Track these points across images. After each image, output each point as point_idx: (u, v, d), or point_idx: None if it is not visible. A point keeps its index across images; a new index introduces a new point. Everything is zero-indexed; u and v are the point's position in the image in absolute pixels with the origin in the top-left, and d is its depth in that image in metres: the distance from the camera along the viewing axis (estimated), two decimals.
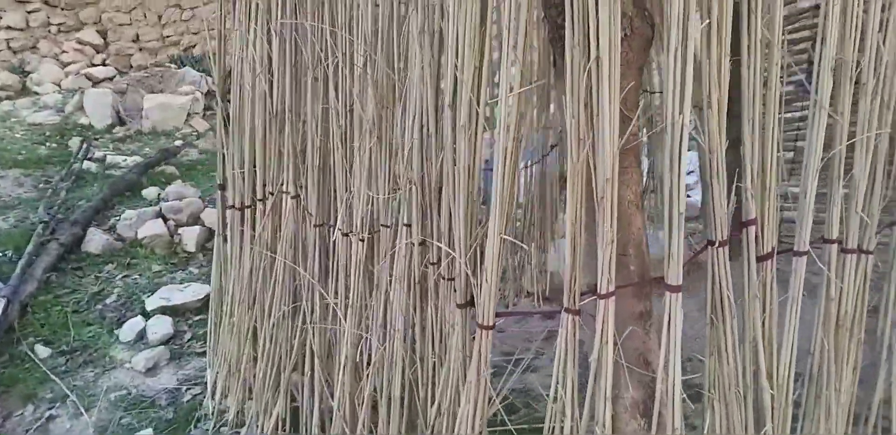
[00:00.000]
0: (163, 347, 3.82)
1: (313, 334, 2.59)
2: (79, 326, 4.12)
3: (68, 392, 3.52)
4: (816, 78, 1.63)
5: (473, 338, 1.72)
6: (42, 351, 3.85)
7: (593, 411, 1.56)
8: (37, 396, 3.52)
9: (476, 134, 1.59)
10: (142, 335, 3.98)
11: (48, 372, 3.69)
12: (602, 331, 1.49)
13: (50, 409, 3.42)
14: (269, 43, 2.75)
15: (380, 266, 2.25)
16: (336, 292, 2.56)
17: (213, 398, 3.29)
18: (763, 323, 1.65)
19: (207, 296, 4.28)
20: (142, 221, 5.15)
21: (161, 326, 3.97)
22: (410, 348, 2.20)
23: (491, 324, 1.64)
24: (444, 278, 1.96)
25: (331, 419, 2.60)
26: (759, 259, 1.63)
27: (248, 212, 3.05)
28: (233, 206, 3.13)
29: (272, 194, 2.85)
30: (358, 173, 2.30)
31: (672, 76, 1.37)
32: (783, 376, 1.71)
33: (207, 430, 3.13)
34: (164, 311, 4.15)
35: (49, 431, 3.29)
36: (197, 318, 4.18)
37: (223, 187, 3.35)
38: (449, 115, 1.71)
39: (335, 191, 2.56)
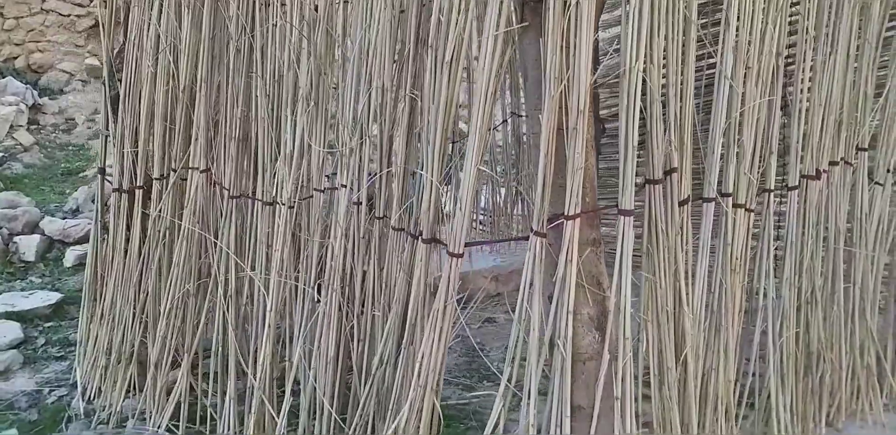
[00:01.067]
0: (14, 350, 3.46)
1: (227, 309, 2.52)
2: None
3: None
4: (721, 55, 1.98)
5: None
6: None
7: (556, 327, 1.72)
8: None
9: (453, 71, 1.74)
10: None
11: None
12: (567, 250, 1.67)
13: None
14: (179, 15, 2.72)
15: (311, 230, 2.29)
16: (252, 265, 2.53)
17: (82, 398, 3.03)
18: (682, 258, 1.92)
19: (58, 302, 3.98)
20: None
21: (9, 331, 3.59)
22: (347, 307, 2.24)
23: (461, 252, 1.76)
24: (394, 229, 2.05)
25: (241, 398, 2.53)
26: (680, 203, 1.91)
27: (139, 193, 2.92)
28: (119, 190, 2.99)
29: (174, 171, 2.77)
30: (289, 141, 2.35)
31: (630, 28, 1.63)
32: (696, 305, 1.99)
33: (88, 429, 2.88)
34: (9, 317, 3.75)
35: None
36: (48, 324, 3.82)
37: (103, 171, 3.18)
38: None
39: (256, 162, 2.56)
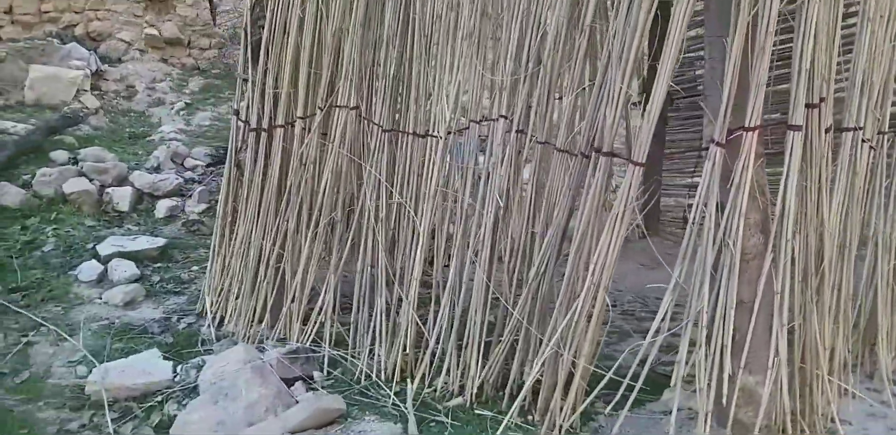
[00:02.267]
0: (136, 284, 3.70)
1: (378, 232, 2.76)
2: (24, 269, 3.84)
3: (41, 321, 3.31)
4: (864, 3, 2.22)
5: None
6: None
7: (726, 229, 1.96)
8: (0, 326, 3.27)
9: None
10: (101, 277, 3.81)
11: (7, 304, 3.43)
12: (745, 159, 1.92)
13: (23, 336, 3.20)
14: None
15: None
16: (401, 192, 2.77)
17: (213, 325, 3.28)
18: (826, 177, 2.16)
19: (165, 244, 4.21)
20: (64, 178, 4.86)
21: (127, 267, 3.83)
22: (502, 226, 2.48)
23: (643, 161, 2.01)
24: (559, 150, 2.30)
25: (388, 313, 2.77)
26: (826, 131, 2.15)
27: (281, 131, 3.15)
28: (258, 129, 3.22)
29: (320, 109, 2.99)
30: (448, 74, 2.58)
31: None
32: (833, 224, 2.23)
33: (212, 351, 3.11)
34: (121, 256, 3.98)
35: (30, 356, 3.09)
36: (157, 265, 4.06)
37: (237, 112, 3.40)
38: None
39: (408, 99, 2.79)
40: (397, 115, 2.84)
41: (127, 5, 8.19)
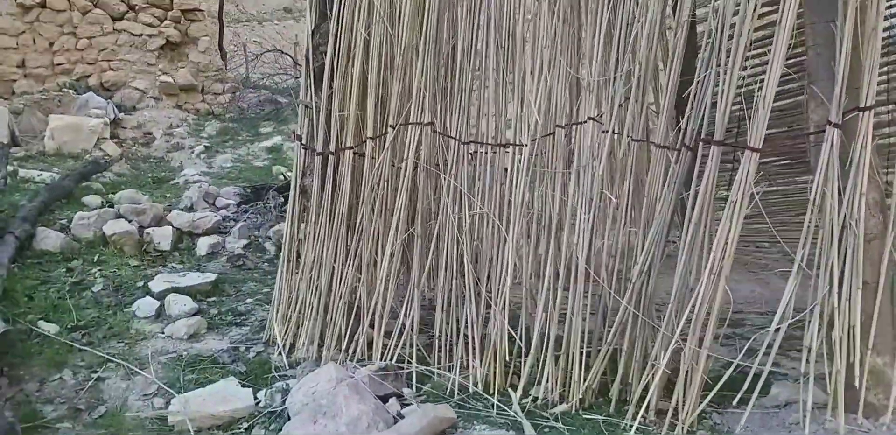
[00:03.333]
0: (198, 316, 3.64)
1: (463, 243, 2.75)
2: (77, 309, 3.77)
3: (108, 357, 3.24)
4: None
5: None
6: (48, 327, 3.49)
7: (848, 209, 1.98)
8: (67, 364, 3.19)
9: None
10: (158, 313, 3.75)
11: (70, 343, 3.35)
12: (863, 138, 1.94)
13: (93, 372, 3.13)
14: None
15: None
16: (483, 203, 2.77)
17: (283, 351, 3.22)
18: None
19: (215, 279, 4.17)
20: (103, 221, 4.82)
21: (184, 301, 3.77)
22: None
23: (759, 146, 2.03)
24: (658, 146, 2.32)
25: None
26: None
27: (348, 154, 3.16)
28: (324, 153, 3.23)
29: (392, 128, 3.02)
30: (531, 82, 2.62)
31: None
32: None
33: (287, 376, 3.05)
34: (174, 292, 3.93)
35: (102, 391, 3.01)
36: (210, 299, 4.00)
37: (300, 138, 3.42)
38: None
39: (477, 111, 2.82)
40: (474, 129, 2.86)
41: (140, 54, 8.31)
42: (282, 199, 5.38)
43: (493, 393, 2.65)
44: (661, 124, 2.32)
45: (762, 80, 2.02)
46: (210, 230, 5.00)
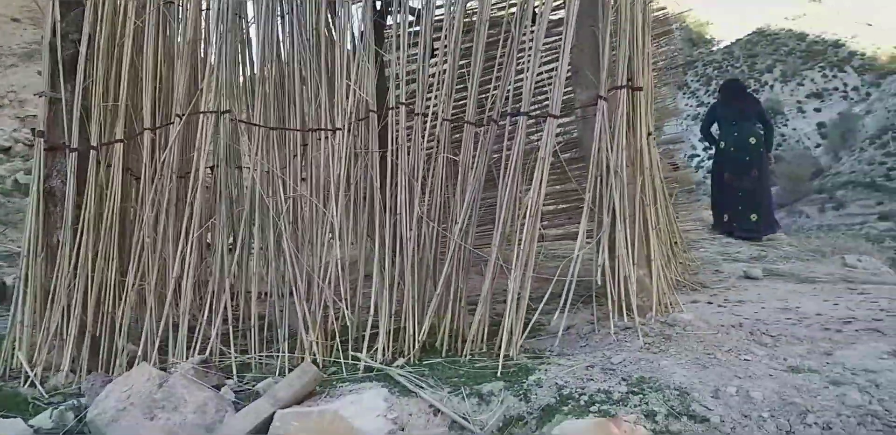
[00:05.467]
0: None
1: (284, 227, 2.79)
2: None
3: None
4: None
5: None
6: None
7: (618, 160, 2.73)
8: None
9: None
10: None
11: None
12: (621, 109, 2.73)
13: None
14: None
15: None
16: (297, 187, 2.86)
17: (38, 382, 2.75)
18: None
19: None
20: None
21: None
22: None
23: (558, 114, 2.65)
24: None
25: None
26: None
27: (116, 148, 2.92)
28: (78, 149, 2.91)
29: (179, 117, 2.88)
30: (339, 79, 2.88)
31: None
32: None
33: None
34: None
35: None
36: None
37: (42, 134, 2.99)
38: None
39: (293, 98, 2.94)
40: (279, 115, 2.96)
41: None
42: None
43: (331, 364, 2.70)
44: (471, 105, 2.82)
45: (555, 66, 2.69)
46: None
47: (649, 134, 3.03)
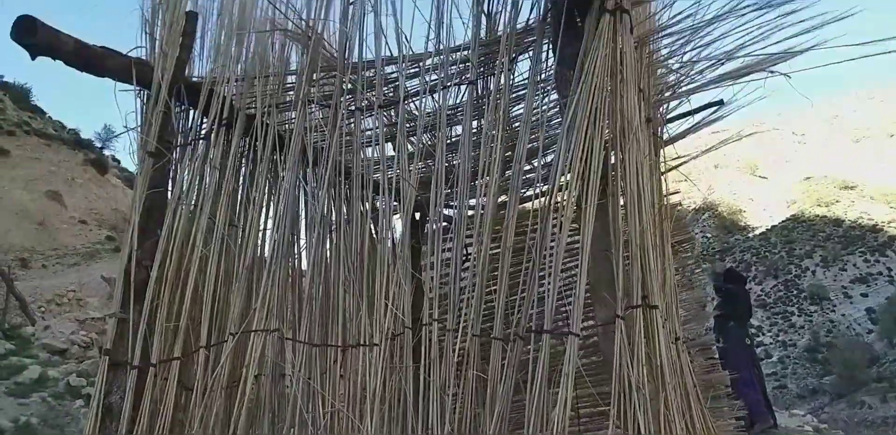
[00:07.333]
0: None
1: None
2: None
3: None
4: None
5: None
6: None
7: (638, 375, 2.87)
8: None
9: None
10: None
11: None
12: (637, 326, 2.93)
13: None
14: None
15: None
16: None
17: None
18: None
19: None
20: None
21: None
22: None
23: (579, 332, 2.85)
24: None
25: None
26: None
27: (173, 365, 3.17)
28: (140, 366, 3.18)
29: (233, 335, 3.17)
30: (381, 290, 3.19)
31: None
32: None
33: None
34: None
35: None
36: None
37: (109, 353, 3.27)
38: None
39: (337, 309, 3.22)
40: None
41: None
42: None
43: None
44: (498, 321, 3.05)
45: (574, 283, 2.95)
46: None
47: (677, 339, 3.19)
